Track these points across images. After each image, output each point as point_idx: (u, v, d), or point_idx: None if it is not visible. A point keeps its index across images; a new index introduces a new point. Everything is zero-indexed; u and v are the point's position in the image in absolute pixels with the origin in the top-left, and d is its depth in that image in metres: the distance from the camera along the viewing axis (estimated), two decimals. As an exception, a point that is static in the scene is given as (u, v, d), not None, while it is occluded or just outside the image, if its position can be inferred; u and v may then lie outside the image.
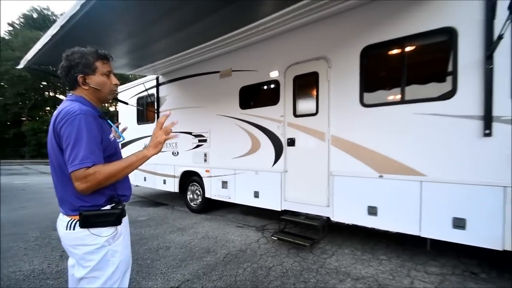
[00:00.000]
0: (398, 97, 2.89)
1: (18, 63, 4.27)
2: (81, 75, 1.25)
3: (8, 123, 29.39)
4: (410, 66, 2.84)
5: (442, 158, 2.60)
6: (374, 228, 3.03)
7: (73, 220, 1.20)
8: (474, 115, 2.43)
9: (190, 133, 5.15)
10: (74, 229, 1.20)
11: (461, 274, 2.67)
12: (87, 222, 1.19)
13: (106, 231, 1.23)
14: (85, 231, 1.19)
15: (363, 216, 3.06)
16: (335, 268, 2.85)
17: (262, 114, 4.06)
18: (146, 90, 6.10)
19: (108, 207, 1.26)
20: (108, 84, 1.34)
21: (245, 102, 4.32)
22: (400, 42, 2.84)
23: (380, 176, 2.95)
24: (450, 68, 2.58)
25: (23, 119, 30.45)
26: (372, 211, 3.00)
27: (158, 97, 5.94)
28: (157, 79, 5.94)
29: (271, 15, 3.27)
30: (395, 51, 2.95)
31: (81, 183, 1.11)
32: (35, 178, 11.86)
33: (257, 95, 4.30)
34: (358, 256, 3.14)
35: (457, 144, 2.53)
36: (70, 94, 1.32)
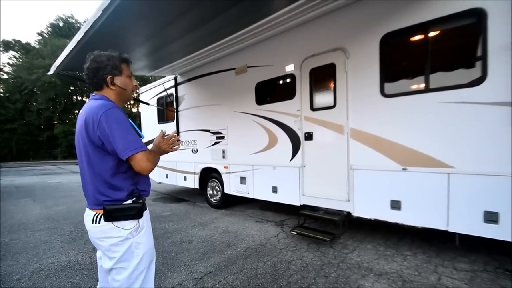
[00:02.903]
0: (422, 85, 2.75)
1: (48, 70, 4.57)
2: (110, 76, 1.33)
3: (42, 126, 31.70)
4: (434, 53, 2.68)
5: (472, 148, 2.45)
6: (397, 223, 2.93)
7: (98, 214, 1.28)
8: (506, 102, 2.26)
9: (208, 131, 5.25)
10: (99, 222, 1.28)
11: (493, 271, 2.52)
12: (110, 216, 1.26)
13: (129, 224, 1.30)
14: (109, 224, 1.27)
15: (386, 210, 2.97)
16: (357, 263, 2.80)
17: (278, 109, 4.04)
18: (165, 90, 6.29)
19: (129, 201, 1.33)
20: (131, 85, 1.42)
21: (261, 98, 4.32)
22: (423, 27, 2.69)
23: (404, 169, 2.84)
24: (479, 53, 2.41)
25: (54, 122, 32.66)
26: (396, 205, 2.90)
27: (176, 97, 6.10)
28: (175, 79, 6.09)
29: (285, 8, 3.22)
30: (418, 37, 2.80)
31: (147, 162, 1.26)
32: (67, 177, 12.69)
33: (273, 90, 4.28)
34: (381, 251, 3.06)
35: (488, 133, 2.37)
36: (93, 94, 1.38)
